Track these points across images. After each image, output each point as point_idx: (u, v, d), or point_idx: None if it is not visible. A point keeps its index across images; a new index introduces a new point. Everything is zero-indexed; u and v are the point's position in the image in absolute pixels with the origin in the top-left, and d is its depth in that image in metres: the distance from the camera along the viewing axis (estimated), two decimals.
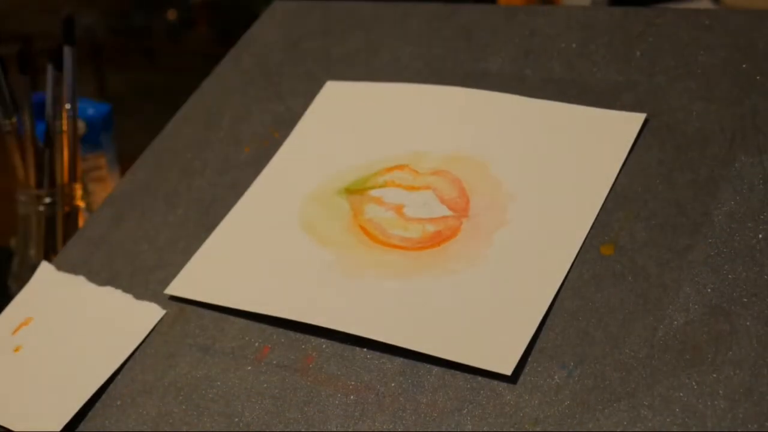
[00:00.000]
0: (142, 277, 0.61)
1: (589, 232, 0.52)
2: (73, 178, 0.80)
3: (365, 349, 0.52)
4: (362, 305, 0.53)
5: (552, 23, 0.67)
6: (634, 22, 0.64)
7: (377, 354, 0.51)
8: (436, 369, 0.49)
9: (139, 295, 0.60)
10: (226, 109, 0.70)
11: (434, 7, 0.72)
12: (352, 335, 0.52)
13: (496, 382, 0.48)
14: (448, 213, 0.57)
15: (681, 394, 0.44)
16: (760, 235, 0.49)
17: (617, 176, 0.54)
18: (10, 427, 0.56)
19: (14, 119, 0.77)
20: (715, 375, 0.44)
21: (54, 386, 0.57)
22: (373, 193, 0.60)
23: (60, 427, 0.55)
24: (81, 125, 0.84)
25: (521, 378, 0.47)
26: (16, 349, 0.61)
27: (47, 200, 0.79)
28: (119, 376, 0.56)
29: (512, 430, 0.46)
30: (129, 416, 0.54)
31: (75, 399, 0.56)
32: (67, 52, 0.77)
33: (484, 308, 0.51)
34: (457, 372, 0.49)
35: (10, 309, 0.64)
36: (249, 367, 0.53)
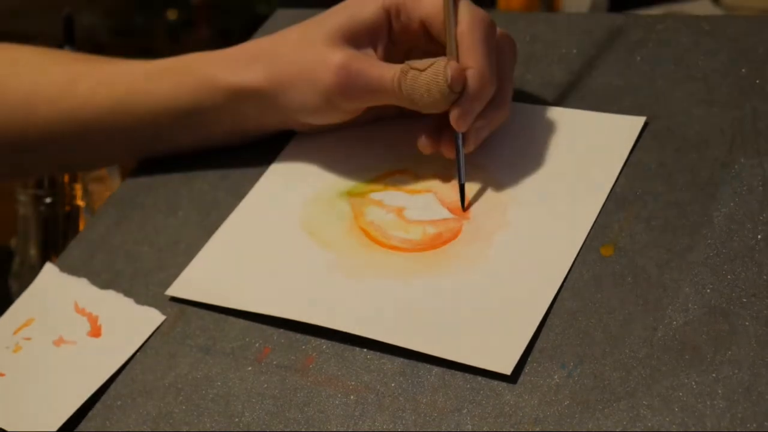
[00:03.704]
0: (143, 278, 0.61)
1: (589, 233, 0.52)
2: (73, 178, 0.80)
3: (365, 349, 0.52)
4: (362, 305, 0.53)
5: (553, 29, 0.67)
6: (635, 28, 0.64)
7: (377, 354, 0.51)
8: (436, 369, 0.50)
9: (139, 297, 0.60)
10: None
11: None
12: (352, 335, 0.52)
13: (496, 382, 0.48)
14: (449, 215, 0.57)
15: (680, 394, 0.44)
16: (759, 236, 0.49)
17: (617, 178, 0.55)
18: (7, 428, 0.56)
19: None
20: (714, 375, 0.44)
21: (52, 387, 0.58)
22: (374, 196, 0.60)
23: (56, 428, 0.55)
24: None
25: (521, 378, 0.48)
26: (16, 350, 0.61)
27: (47, 200, 0.79)
28: (120, 377, 0.56)
29: (512, 430, 0.46)
30: (129, 416, 0.54)
31: (72, 400, 0.56)
32: None
33: (484, 308, 0.51)
34: (457, 372, 0.49)
35: (12, 309, 0.64)
36: (249, 368, 0.54)
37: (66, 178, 0.79)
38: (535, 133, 0.60)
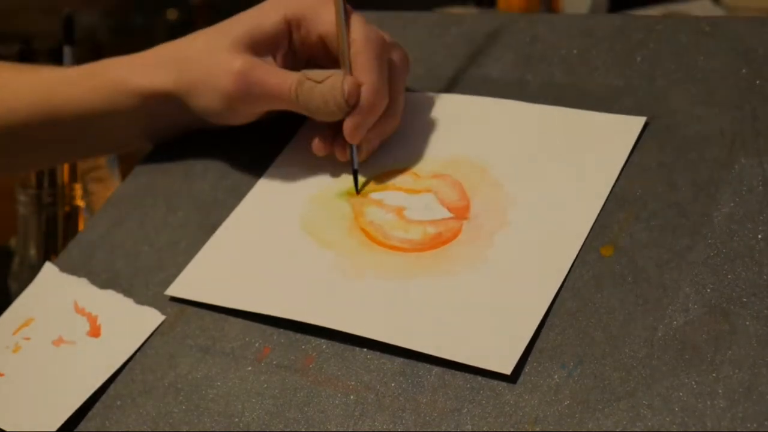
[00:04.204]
0: (143, 278, 0.61)
1: (589, 233, 0.52)
2: (73, 178, 0.80)
3: (365, 349, 0.52)
4: (362, 305, 0.53)
5: (553, 30, 0.67)
6: (635, 28, 0.64)
7: (377, 354, 0.51)
8: (436, 369, 0.50)
9: (139, 297, 0.60)
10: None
11: (436, 15, 0.72)
12: (352, 335, 0.52)
13: (495, 382, 0.48)
14: (449, 215, 0.57)
15: (680, 394, 0.44)
16: (759, 236, 0.49)
17: (617, 178, 0.55)
18: (6, 428, 0.56)
19: None
20: (714, 374, 0.44)
21: (51, 387, 0.58)
22: (374, 196, 0.60)
23: (56, 428, 0.55)
24: None
25: (521, 378, 0.48)
26: (16, 350, 0.61)
27: (47, 200, 0.79)
28: (119, 377, 0.56)
29: (512, 429, 0.46)
30: (129, 416, 0.54)
31: (72, 400, 0.56)
32: (67, 52, 0.77)
33: (484, 308, 0.51)
34: (457, 372, 0.49)
35: (12, 309, 0.64)
36: (249, 368, 0.54)
37: (66, 178, 0.79)
38: (535, 132, 0.60)
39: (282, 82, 0.60)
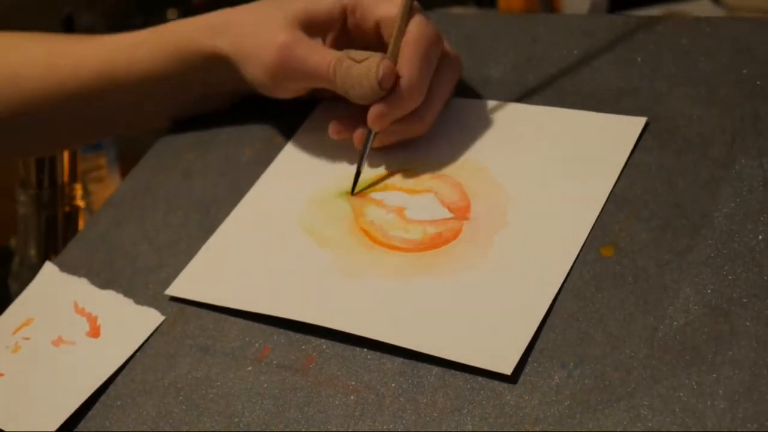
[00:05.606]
0: (143, 277, 0.61)
1: (589, 233, 0.52)
2: (73, 178, 0.80)
3: (365, 349, 0.52)
4: (362, 305, 0.53)
5: (553, 30, 0.67)
6: (635, 29, 0.64)
7: (377, 354, 0.51)
8: (436, 369, 0.50)
9: (139, 296, 0.60)
10: (227, 110, 0.70)
11: (437, 14, 0.72)
12: (352, 335, 0.52)
13: (496, 382, 0.48)
14: (449, 215, 0.57)
15: (681, 394, 0.44)
16: (760, 237, 0.49)
17: (618, 178, 0.55)
18: (6, 428, 0.56)
19: None
20: (714, 375, 0.44)
21: (51, 387, 0.58)
22: (374, 195, 0.60)
23: (55, 428, 0.55)
24: None
25: (521, 378, 0.48)
26: (15, 349, 0.61)
27: (47, 200, 0.79)
28: (119, 377, 0.56)
29: (512, 430, 0.46)
30: (129, 416, 0.54)
31: (71, 400, 0.56)
32: None
33: (484, 308, 0.51)
34: (457, 372, 0.49)
35: (11, 309, 0.64)
36: (249, 368, 0.54)
37: (66, 178, 0.79)
38: (535, 133, 0.60)
39: (321, 60, 0.60)
